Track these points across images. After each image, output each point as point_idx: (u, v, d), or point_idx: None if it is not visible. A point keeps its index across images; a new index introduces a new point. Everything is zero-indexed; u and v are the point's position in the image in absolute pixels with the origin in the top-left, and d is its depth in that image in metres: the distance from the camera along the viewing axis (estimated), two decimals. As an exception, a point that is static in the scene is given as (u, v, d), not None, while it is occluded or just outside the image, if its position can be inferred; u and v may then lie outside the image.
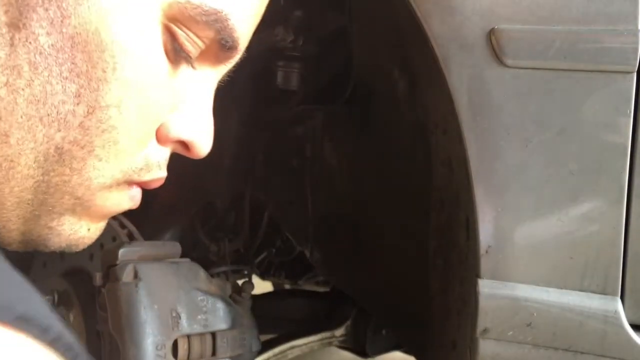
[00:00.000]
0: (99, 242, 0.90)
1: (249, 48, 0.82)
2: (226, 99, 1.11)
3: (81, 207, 0.58)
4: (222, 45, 0.58)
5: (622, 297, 0.70)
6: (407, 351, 1.35)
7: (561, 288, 0.71)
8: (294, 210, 1.16)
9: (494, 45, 0.68)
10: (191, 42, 0.56)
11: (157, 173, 0.62)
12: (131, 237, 0.88)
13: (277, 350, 1.20)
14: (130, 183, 0.60)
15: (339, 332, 1.29)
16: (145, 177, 0.61)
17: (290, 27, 1.01)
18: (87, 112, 0.53)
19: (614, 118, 0.68)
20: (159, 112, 0.58)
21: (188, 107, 0.61)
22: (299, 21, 1.02)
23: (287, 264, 1.49)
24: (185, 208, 1.18)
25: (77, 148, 0.54)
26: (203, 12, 0.54)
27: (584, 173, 0.69)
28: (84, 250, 0.93)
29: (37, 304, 0.43)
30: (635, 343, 0.70)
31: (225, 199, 1.18)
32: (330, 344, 1.30)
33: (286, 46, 1.03)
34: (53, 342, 0.42)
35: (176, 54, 0.56)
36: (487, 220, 0.71)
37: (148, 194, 1.20)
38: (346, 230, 1.09)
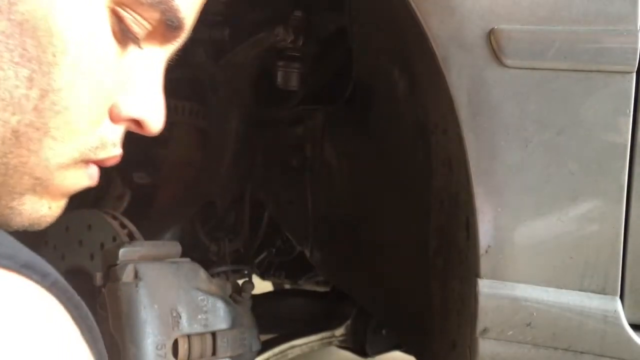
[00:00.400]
0: (100, 242, 0.90)
1: (249, 48, 0.82)
2: (226, 99, 1.11)
3: (41, 187, 0.60)
4: (168, 26, 0.60)
5: (621, 297, 0.70)
6: (407, 351, 1.35)
7: (561, 288, 0.71)
8: (294, 210, 1.16)
9: (493, 45, 0.68)
10: (137, 24, 0.58)
11: (113, 151, 0.64)
12: (131, 237, 0.89)
13: (277, 350, 1.20)
14: (87, 162, 0.62)
15: (339, 332, 1.29)
16: (101, 155, 0.62)
17: (290, 27, 1.01)
18: (41, 95, 0.54)
19: (614, 118, 0.68)
20: (109, 92, 0.60)
21: (138, 86, 0.63)
22: (299, 21, 1.03)
23: (287, 264, 1.49)
24: (185, 208, 1.18)
25: (32, 130, 0.55)
26: None
27: (584, 173, 0.69)
28: (84, 250, 0.93)
29: (34, 255, 0.49)
30: (634, 343, 0.70)
31: (225, 199, 1.19)
32: (330, 343, 1.30)
33: (286, 46, 1.03)
34: (51, 286, 0.48)
35: (123, 35, 0.58)
36: (486, 220, 0.71)
37: (149, 194, 1.20)
38: (346, 230, 1.09)
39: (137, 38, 0.59)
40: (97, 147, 0.61)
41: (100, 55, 0.57)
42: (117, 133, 0.63)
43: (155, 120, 0.64)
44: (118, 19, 0.57)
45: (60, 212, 0.64)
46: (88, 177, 0.64)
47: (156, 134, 0.65)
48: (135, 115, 0.63)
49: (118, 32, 0.58)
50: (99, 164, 0.64)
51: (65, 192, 0.63)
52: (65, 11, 0.54)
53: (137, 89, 0.62)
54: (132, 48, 0.60)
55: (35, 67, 0.53)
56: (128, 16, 0.57)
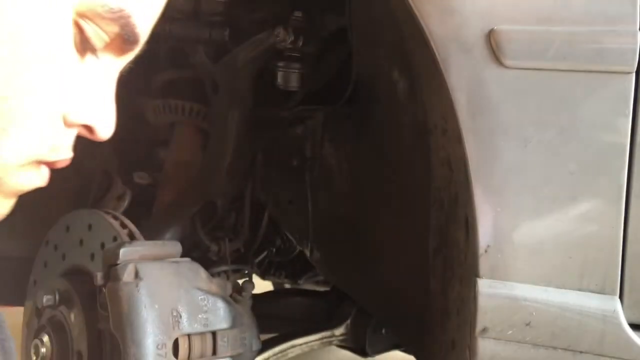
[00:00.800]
0: (100, 242, 0.90)
1: (249, 49, 0.82)
2: (227, 99, 1.11)
3: None
4: (124, 40, 0.64)
5: (620, 297, 0.71)
6: (407, 351, 1.35)
7: (560, 287, 0.71)
8: (294, 210, 1.17)
9: (493, 45, 0.68)
10: (97, 36, 0.62)
11: (65, 153, 0.67)
12: (132, 237, 0.89)
13: (277, 349, 1.20)
14: (40, 163, 0.65)
15: (339, 331, 1.29)
16: (54, 157, 0.66)
17: (290, 27, 1.01)
18: (4, 99, 0.58)
19: (613, 118, 0.68)
20: (67, 97, 0.64)
21: (91, 93, 0.67)
22: (299, 22, 1.03)
23: (287, 263, 1.50)
24: (185, 208, 1.18)
25: None
26: (109, 10, 0.61)
27: (583, 173, 0.69)
28: (85, 250, 0.93)
29: None
30: (633, 342, 0.70)
31: (225, 199, 1.19)
32: (330, 343, 1.30)
33: (286, 47, 1.04)
34: None
35: (83, 46, 0.63)
36: (486, 219, 0.71)
37: (149, 194, 1.20)
38: (346, 230, 1.09)
39: (95, 49, 0.63)
40: (51, 150, 0.64)
41: (63, 64, 0.61)
42: (69, 137, 0.67)
43: (105, 127, 0.68)
44: (80, 31, 0.61)
45: (9, 211, 0.68)
46: (39, 178, 0.67)
47: (104, 140, 0.69)
48: (87, 121, 0.66)
49: (79, 43, 0.62)
50: (50, 165, 0.67)
51: (16, 192, 0.66)
52: (38, 23, 0.58)
53: (90, 96, 0.66)
54: (89, 57, 0.64)
55: (9, 71, 0.57)
56: (89, 28, 0.61)
